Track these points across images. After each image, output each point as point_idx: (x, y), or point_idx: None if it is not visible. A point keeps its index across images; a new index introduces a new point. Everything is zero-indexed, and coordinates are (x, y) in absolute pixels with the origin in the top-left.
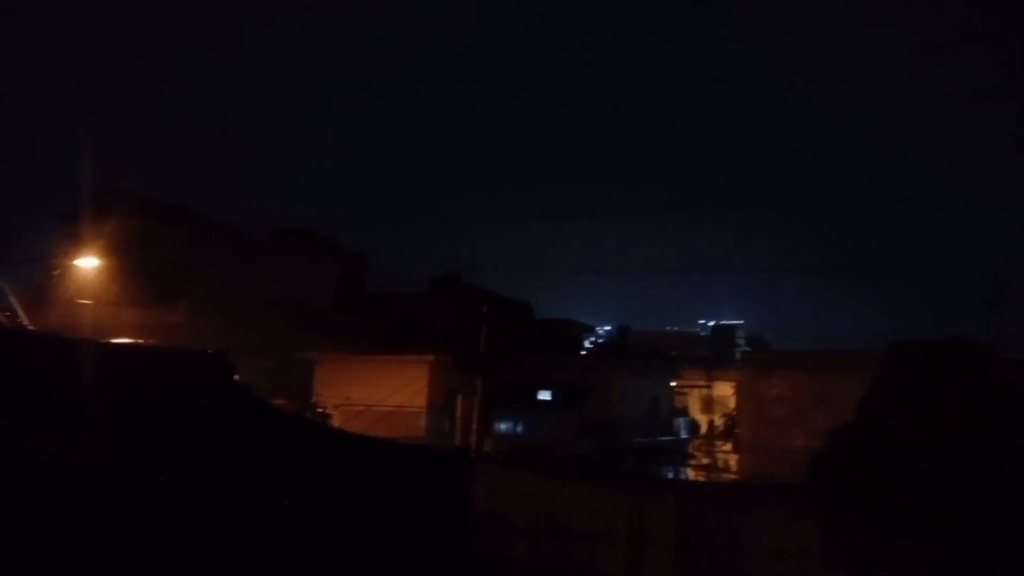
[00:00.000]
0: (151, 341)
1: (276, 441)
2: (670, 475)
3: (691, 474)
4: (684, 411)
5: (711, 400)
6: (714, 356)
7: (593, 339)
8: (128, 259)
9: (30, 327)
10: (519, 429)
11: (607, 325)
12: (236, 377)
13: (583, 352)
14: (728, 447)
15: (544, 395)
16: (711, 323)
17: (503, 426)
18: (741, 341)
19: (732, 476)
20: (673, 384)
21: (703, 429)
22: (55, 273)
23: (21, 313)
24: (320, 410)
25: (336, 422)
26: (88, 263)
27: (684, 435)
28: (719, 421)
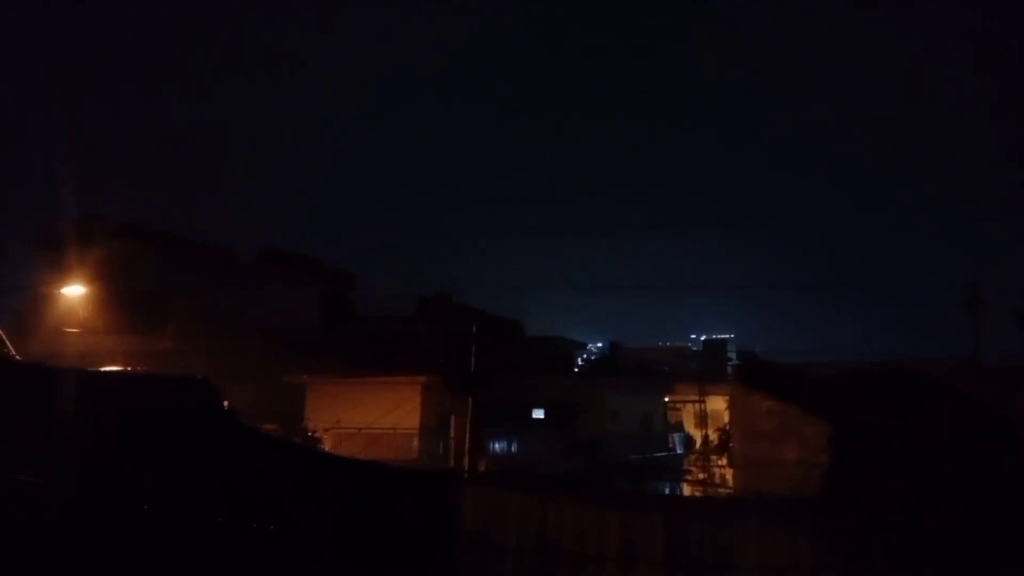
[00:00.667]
0: (138, 368)
1: (264, 466)
2: (665, 491)
3: (687, 489)
4: (679, 426)
5: (705, 415)
6: (706, 371)
7: (585, 356)
8: (113, 286)
9: (15, 356)
10: (513, 448)
11: (599, 342)
12: (224, 403)
13: (575, 369)
14: (723, 461)
15: (538, 413)
16: (702, 338)
17: (497, 446)
18: (732, 355)
19: (727, 490)
20: (667, 399)
21: (698, 444)
22: (38, 301)
23: (6, 342)
24: (310, 434)
25: (327, 445)
26: (73, 291)
27: (679, 450)
28: (713, 435)
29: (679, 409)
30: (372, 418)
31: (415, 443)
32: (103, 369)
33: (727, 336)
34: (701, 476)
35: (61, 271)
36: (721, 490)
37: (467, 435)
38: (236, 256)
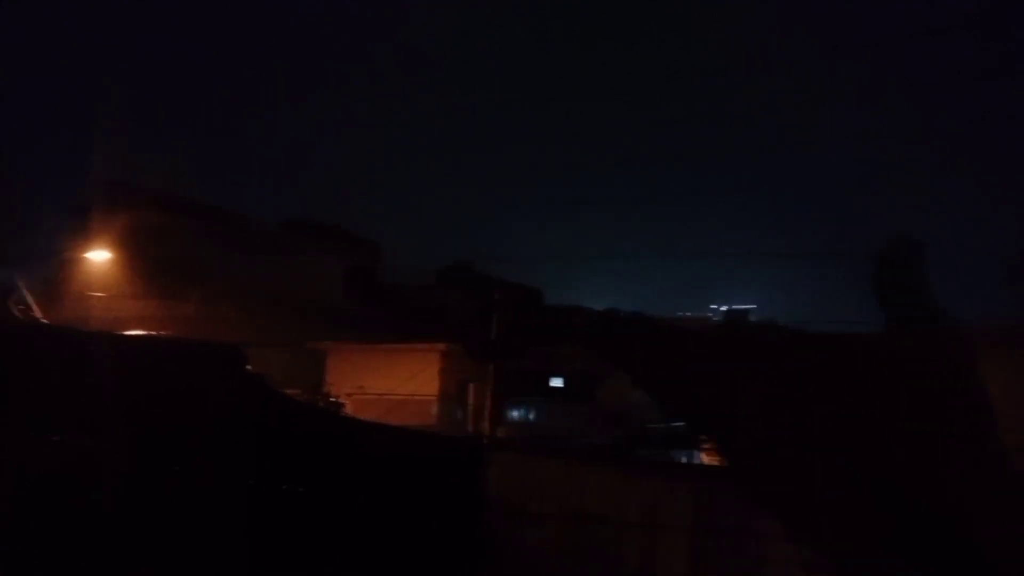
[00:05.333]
0: (164, 333)
1: (289, 430)
2: (683, 460)
3: (705, 459)
4: None
5: None
6: None
7: None
8: (139, 252)
9: (44, 320)
10: (531, 417)
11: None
12: (249, 368)
13: None
14: None
15: (556, 382)
16: (723, 308)
17: (515, 414)
18: None
19: None
20: None
21: None
22: (66, 267)
23: (35, 307)
24: (332, 399)
25: (349, 410)
26: (99, 256)
27: None
28: None
29: None
30: (392, 384)
31: (434, 409)
32: (130, 333)
33: (750, 307)
34: None
35: (89, 237)
36: None
37: (488, 402)
38: (263, 224)
